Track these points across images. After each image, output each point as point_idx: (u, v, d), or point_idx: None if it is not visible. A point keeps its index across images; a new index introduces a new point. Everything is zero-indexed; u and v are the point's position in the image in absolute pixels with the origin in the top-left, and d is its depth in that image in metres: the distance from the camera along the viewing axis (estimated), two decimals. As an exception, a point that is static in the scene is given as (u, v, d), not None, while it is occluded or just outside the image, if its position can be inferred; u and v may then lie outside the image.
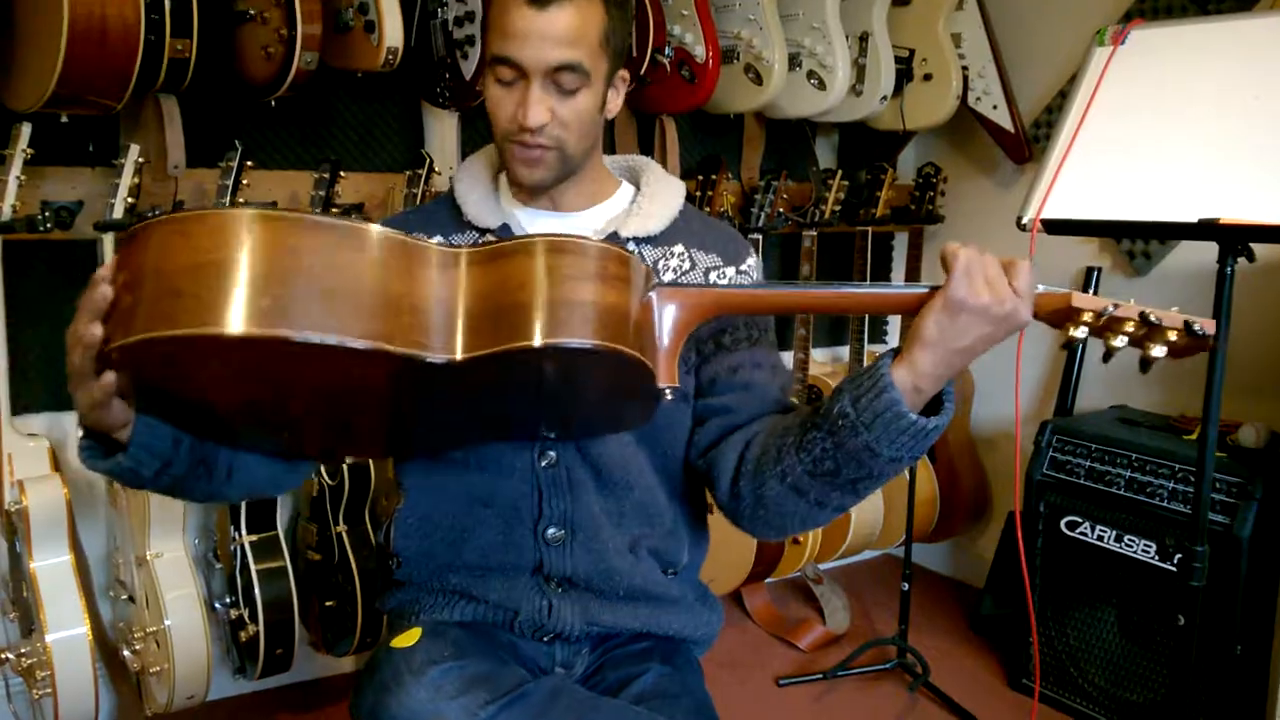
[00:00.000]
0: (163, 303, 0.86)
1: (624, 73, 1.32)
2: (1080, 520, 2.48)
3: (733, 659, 2.79)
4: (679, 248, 1.35)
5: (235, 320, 0.84)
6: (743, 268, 1.38)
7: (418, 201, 2.27)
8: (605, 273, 0.98)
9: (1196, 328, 1.06)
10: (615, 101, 1.31)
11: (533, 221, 1.35)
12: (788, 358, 2.88)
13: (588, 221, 1.37)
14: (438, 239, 1.29)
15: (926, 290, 1.09)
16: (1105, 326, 1.08)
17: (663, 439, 1.34)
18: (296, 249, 0.88)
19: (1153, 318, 1.05)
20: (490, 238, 1.32)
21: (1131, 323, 1.07)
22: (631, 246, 1.32)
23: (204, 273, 0.85)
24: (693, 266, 1.35)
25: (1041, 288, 1.09)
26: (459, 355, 0.93)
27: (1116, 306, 1.07)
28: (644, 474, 1.33)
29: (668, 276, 1.33)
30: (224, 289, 0.85)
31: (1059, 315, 1.10)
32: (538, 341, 0.93)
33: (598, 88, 1.25)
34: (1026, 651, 2.61)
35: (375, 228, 0.92)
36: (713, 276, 1.35)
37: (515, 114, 1.22)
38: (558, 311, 0.95)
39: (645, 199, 1.37)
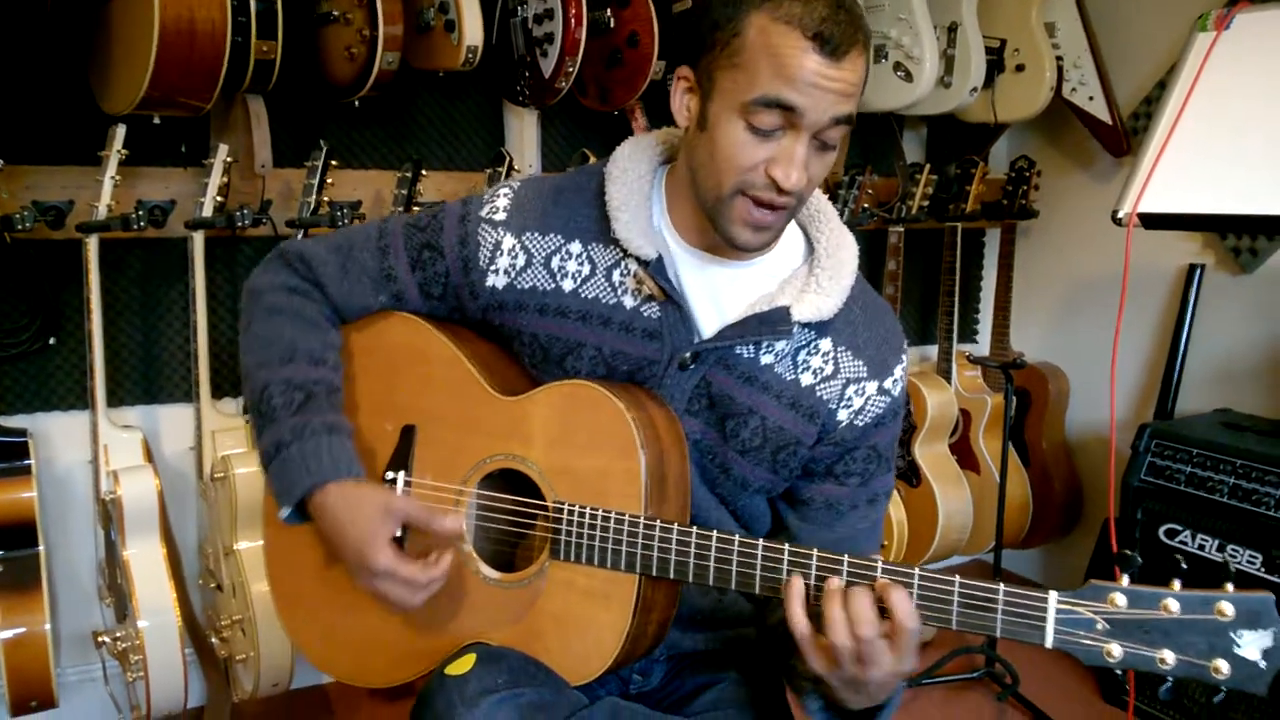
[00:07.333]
0: None
1: None
2: (1180, 529, 2.37)
3: (813, 663, 2.74)
4: (827, 343, 1.21)
5: None
6: (886, 384, 1.23)
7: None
8: None
9: None
10: None
11: (691, 266, 1.22)
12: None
13: (757, 281, 1.22)
14: (576, 244, 1.22)
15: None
16: None
17: (742, 513, 1.29)
18: None
19: None
20: (637, 268, 1.19)
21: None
22: (796, 330, 1.18)
23: None
24: (835, 372, 1.22)
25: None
26: None
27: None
28: (725, 524, 1.28)
29: (805, 378, 1.21)
30: None
31: None
32: None
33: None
34: (1122, 664, 2.51)
35: None
36: (849, 391, 1.22)
37: (763, 167, 1.08)
38: None
39: (823, 272, 1.20)
